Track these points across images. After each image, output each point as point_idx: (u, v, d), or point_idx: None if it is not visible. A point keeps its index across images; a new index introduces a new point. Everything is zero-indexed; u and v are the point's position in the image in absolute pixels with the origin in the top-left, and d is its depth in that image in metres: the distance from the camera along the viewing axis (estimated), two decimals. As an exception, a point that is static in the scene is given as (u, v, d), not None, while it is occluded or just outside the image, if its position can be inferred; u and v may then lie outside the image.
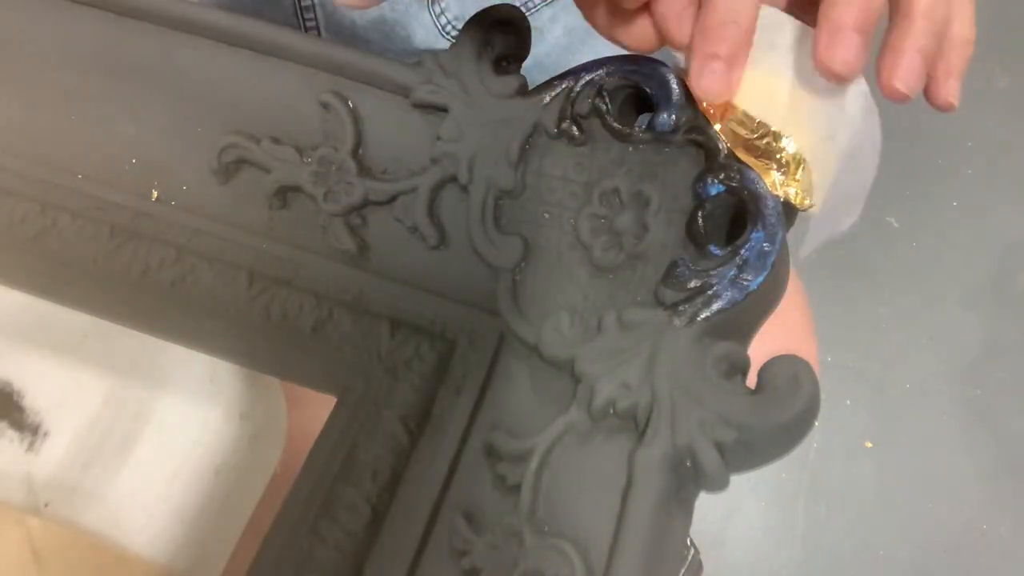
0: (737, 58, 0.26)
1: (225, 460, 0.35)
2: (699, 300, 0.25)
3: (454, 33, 0.52)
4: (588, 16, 0.29)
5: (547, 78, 0.29)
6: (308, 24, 0.52)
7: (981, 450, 1.05)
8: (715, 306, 0.25)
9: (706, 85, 0.26)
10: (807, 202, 0.27)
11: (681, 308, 0.26)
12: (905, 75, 0.26)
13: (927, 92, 0.28)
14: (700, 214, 0.27)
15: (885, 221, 1.18)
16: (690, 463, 0.24)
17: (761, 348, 0.26)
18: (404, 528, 0.25)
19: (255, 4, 0.51)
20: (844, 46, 0.25)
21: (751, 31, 0.26)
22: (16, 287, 0.32)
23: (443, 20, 0.52)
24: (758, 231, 0.26)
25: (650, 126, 0.28)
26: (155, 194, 0.31)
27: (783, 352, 0.25)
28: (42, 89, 0.32)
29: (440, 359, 0.28)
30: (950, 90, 0.28)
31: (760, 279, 0.25)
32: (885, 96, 0.27)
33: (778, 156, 0.27)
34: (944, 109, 0.28)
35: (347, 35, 0.52)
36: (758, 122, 0.27)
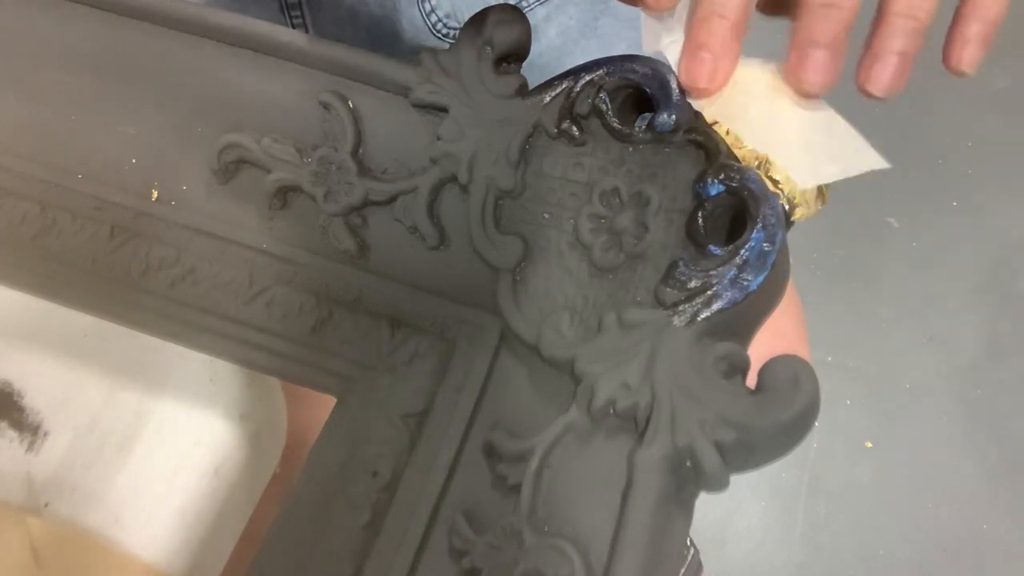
0: (724, 51, 0.26)
1: (225, 460, 0.35)
2: (699, 300, 0.25)
3: (444, 31, 0.52)
4: None
5: (540, 78, 0.29)
6: (295, 22, 0.52)
7: (981, 450, 1.05)
8: (715, 306, 0.25)
9: (690, 71, 0.26)
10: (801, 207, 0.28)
11: (681, 308, 0.26)
12: (878, 79, 0.26)
13: (943, 54, 0.28)
14: (700, 214, 0.27)
15: (885, 221, 1.18)
16: (690, 463, 0.24)
17: (753, 353, 0.26)
18: (404, 528, 0.25)
19: (241, 2, 0.51)
20: (813, 67, 0.26)
21: (739, 26, 0.26)
22: (16, 287, 0.32)
23: (433, 18, 0.52)
24: (758, 231, 0.26)
25: (650, 126, 0.28)
26: (155, 194, 0.31)
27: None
28: (42, 89, 0.32)
29: (440, 359, 0.28)
30: (965, 57, 0.27)
31: (760, 279, 0.25)
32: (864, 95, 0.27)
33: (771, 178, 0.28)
34: (955, 74, 0.28)
35: (335, 32, 0.52)
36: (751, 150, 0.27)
